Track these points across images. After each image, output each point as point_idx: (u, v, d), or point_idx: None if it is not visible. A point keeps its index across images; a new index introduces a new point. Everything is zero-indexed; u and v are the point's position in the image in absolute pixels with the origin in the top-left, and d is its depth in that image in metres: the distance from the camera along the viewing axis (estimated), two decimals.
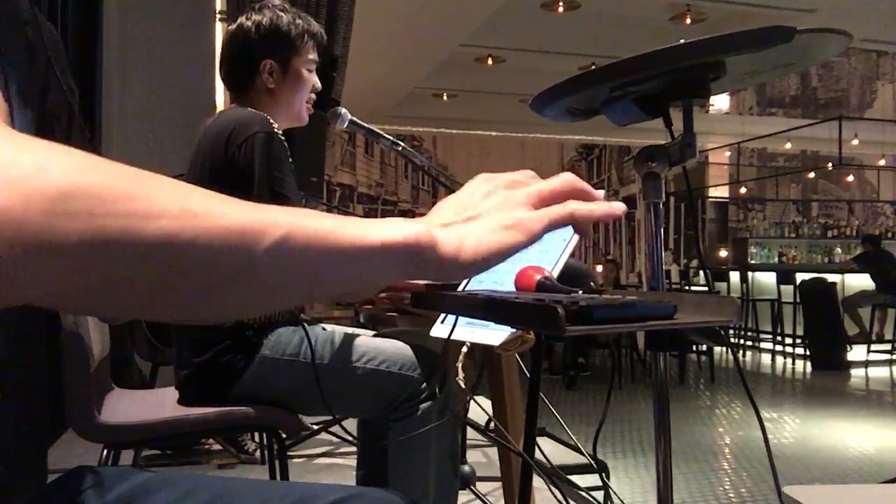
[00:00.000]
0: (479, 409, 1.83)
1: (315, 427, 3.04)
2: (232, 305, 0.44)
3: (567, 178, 0.56)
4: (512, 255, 0.52)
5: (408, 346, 1.61)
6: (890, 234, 12.60)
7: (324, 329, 1.65)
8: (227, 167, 1.54)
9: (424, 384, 1.56)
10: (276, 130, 1.61)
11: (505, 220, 0.52)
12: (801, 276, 8.25)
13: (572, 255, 0.99)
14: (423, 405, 1.55)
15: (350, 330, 1.71)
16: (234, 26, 1.73)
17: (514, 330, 1.22)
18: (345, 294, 0.81)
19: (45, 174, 0.36)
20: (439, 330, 1.23)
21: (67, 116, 0.68)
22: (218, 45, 3.73)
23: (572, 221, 0.54)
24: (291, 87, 1.74)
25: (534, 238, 0.52)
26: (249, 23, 1.70)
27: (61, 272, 0.37)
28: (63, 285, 0.38)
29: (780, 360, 8.36)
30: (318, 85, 1.80)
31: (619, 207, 0.56)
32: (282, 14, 1.72)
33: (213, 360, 1.57)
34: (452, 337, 1.06)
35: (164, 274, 0.40)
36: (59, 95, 0.67)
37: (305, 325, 1.58)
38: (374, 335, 1.72)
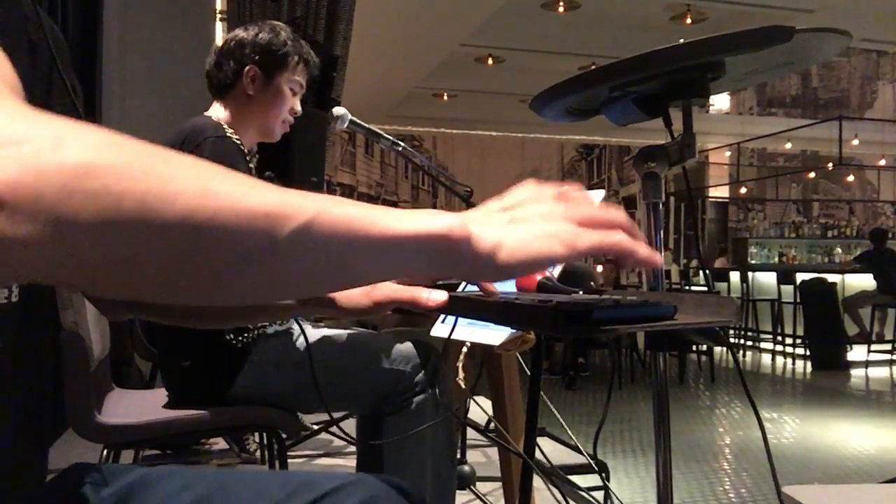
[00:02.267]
0: (479, 409, 1.83)
1: (315, 427, 3.04)
2: (252, 289, 0.43)
3: (618, 214, 0.53)
4: (550, 265, 0.49)
5: (399, 340, 1.63)
6: (891, 235, 12.61)
7: (312, 327, 1.67)
8: None
9: (418, 377, 1.57)
10: (229, 135, 1.63)
11: (550, 229, 0.49)
12: (801, 276, 8.25)
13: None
14: (417, 398, 1.56)
15: (344, 328, 1.72)
16: (231, 34, 1.78)
17: (514, 330, 1.22)
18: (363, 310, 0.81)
19: (62, 150, 0.35)
20: (440, 330, 1.23)
21: (71, 115, 0.68)
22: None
23: (617, 252, 0.51)
24: (269, 99, 1.75)
25: (575, 254, 0.49)
26: (247, 34, 1.75)
27: (76, 250, 0.36)
28: (78, 263, 0.37)
29: (780, 360, 8.36)
30: (298, 109, 1.81)
31: (659, 259, 0.54)
32: (281, 32, 1.76)
33: (200, 365, 1.58)
34: (453, 337, 1.06)
35: (181, 254, 0.38)
36: (63, 94, 0.67)
37: (299, 321, 1.59)
38: (374, 335, 1.73)
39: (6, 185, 0.34)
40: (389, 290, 0.79)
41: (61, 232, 0.35)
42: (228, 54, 1.74)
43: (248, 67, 1.72)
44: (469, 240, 0.46)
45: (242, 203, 0.39)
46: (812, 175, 12.74)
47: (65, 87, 0.67)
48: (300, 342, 1.60)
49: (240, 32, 1.76)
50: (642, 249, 0.52)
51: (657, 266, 0.56)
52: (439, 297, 0.74)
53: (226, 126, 1.66)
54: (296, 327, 1.63)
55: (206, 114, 1.75)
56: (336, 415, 2.11)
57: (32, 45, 0.61)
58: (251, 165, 2.41)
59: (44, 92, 0.64)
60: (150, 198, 0.37)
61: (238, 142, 1.65)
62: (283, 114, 1.78)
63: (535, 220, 0.50)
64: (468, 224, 0.47)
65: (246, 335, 1.60)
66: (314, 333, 1.63)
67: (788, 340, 8.45)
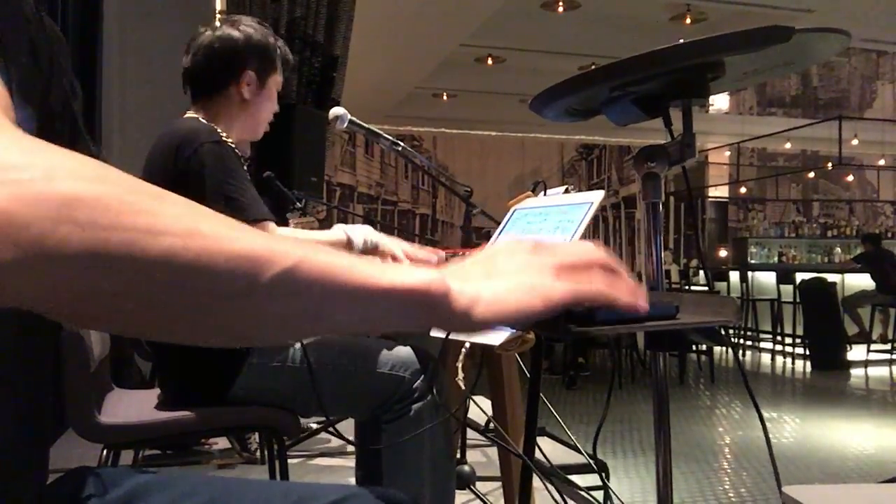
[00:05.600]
0: (479, 409, 1.83)
1: (315, 427, 3.04)
2: (230, 331, 0.44)
3: (595, 252, 0.54)
4: (527, 319, 0.50)
5: (398, 346, 1.62)
6: (890, 234, 12.60)
7: None
8: (178, 180, 1.53)
9: (416, 384, 1.56)
10: (224, 140, 1.62)
11: (526, 283, 0.50)
12: (801, 276, 8.25)
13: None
14: (416, 406, 1.55)
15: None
16: (218, 33, 1.71)
17: (514, 330, 1.22)
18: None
19: (53, 181, 0.36)
20: (439, 330, 1.23)
21: (70, 116, 0.68)
22: None
23: (594, 302, 0.52)
24: (263, 101, 1.75)
25: (552, 306, 0.50)
26: (238, 33, 1.71)
27: (59, 279, 0.37)
28: (59, 293, 0.38)
29: (779, 359, 8.36)
30: (277, 109, 1.82)
31: (644, 305, 0.54)
32: (267, 30, 1.75)
33: (198, 368, 1.58)
34: (452, 337, 1.06)
35: (163, 292, 0.39)
36: (62, 95, 0.67)
37: None
38: (373, 340, 1.72)
39: None
40: None
41: (46, 261, 0.36)
42: (220, 55, 1.70)
43: (244, 71, 1.70)
44: (448, 295, 0.47)
45: (227, 246, 0.40)
46: (812, 175, 12.73)
47: (64, 88, 0.66)
48: (298, 346, 1.60)
49: (228, 30, 1.71)
50: (623, 298, 0.52)
51: (641, 310, 0.54)
52: None
53: (219, 129, 1.64)
54: None
55: (190, 115, 1.72)
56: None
57: (33, 46, 0.61)
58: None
59: (43, 93, 0.64)
60: (136, 234, 0.38)
61: (233, 146, 1.64)
62: (270, 115, 1.79)
63: (514, 274, 0.50)
64: (447, 279, 0.47)
65: None
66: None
67: (788, 340, 8.45)
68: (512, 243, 0.54)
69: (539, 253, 0.53)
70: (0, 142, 0.38)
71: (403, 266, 0.47)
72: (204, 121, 1.68)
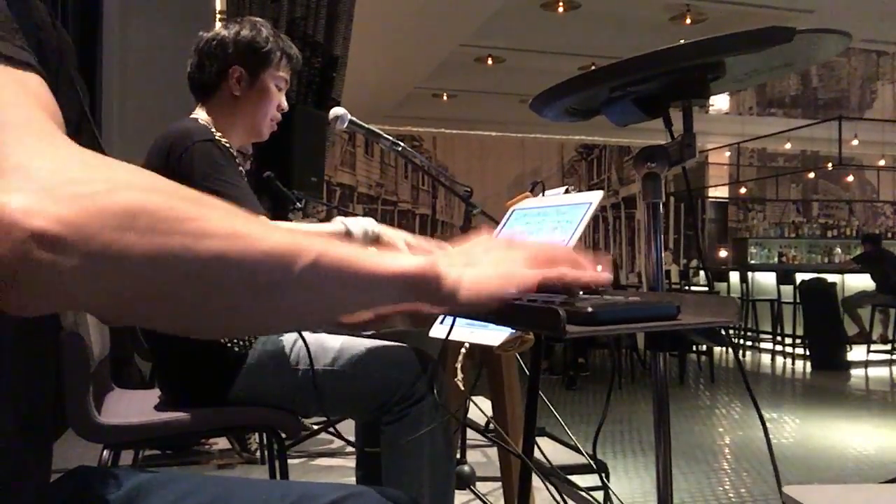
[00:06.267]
0: (479, 409, 1.83)
1: (315, 427, 3.04)
2: (261, 320, 0.51)
3: (562, 248, 0.64)
4: (502, 300, 0.57)
5: (398, 347, 1.61)
6: (890, 234, 12.60)
7: (311, 331, 1.66)
8: (171, 178, 1.53)
9: (415, 386, 1.56)
10: (217, 139, 1.61)
11: (501, 270, 0.58)
12: (801, 276, 8.25)
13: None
14: (415, 407, 1.55)
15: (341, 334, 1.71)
16: (211, 34, 1.73)
17: (513, 330, 1.22)
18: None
19: (114, 193, 0.41)
20: (438, 330, 1.23)
21: (78, 118, 0.68)
22: None
23: (561, 283, 0.59)
24: (256, 98, 1.74)
25: (524, 289, 0.57)
26: (228, 32, 1.72)
27: (123, 283, 0.41)
28: (122, 295, 0.42)
29: (779, 360, 8.36)
30: (285, 105, 1.80)
31: (606, 277, 0.62)
32: (262, 29, 1.74)
33: (197, 368, 1.58)
34: (452, 337, 1.06)
35: (210, 287, 0.45)
36: (71, 97, 0.67)
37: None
38: (372, 335, 1.72)
39: (66, 224, 0.38)
40: None
41: (112, 267, 0.40)
42: (210, 54, 1.71)
43: (232, 68, 1.70)
44: (439, 277, 0.54)
45: (264, 243, 0.46)
46: (812, 175, 12.73)
47: (74, 90, 0.67)
48: (298, 346, 1.60)
49: (220, 31, 1.73)
50: (585, 275, 0.61)
51: (603, 284, 0.62)
52: None
53: (213, 129, 1.64)
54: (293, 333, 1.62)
55: (191, 116, 1.73)
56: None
57: (43, 51, 0.61)
58: (245, 167, 2.41)
59: (52, 92, 0.64)
60: (189, 238, 0.42)
61: (227, 144, 1.64)
62: (270, 112, 1.77)
63: (490, 266, 0.58)
64: (437, 264, 0.55)
65: (243, 340, 1.59)
66: (312, 338, 1.62)
67: (788, 340, 8.45)
68: (488, 240, 0.63)
69: (511, 248, 0.61)
70: (61, 156, 0.41)
71: (398, 253, 0.55)
72: (203, 121, 1.68)
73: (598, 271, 0.61)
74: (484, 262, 0.59)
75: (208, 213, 0.44)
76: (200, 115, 1.73)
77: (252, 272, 0.45)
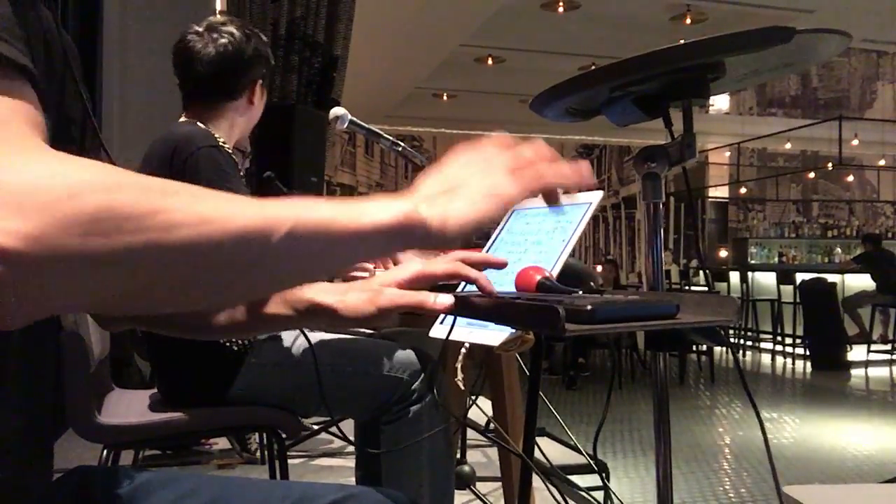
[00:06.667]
0: (479, 409, 1.83)
1: (315, 427, 3.04)
2: (249, 293, 0.53)
3: (538, 146, 0.60)
4: (491, 222, 0.56)
5: (397, 347, 1.61)
6: (890, 234, 12.60)
7: (310, 330, 1.66)
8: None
9: (414, 385, 1.56)
10: (221, 144, 1.61)
11: (483, 189, 0.56)
12: (801, 276, 8.25)
13: (572, 255, 0.99)
14: (414, 407, 1.55)
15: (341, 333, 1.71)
16: (223, 40, 1.69)
17: (513, 330, 1.22)
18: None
19: (78, 198, 0.40)
20: (438, 330, 1.22)
21: (81, 119, 0.69)
22: None
23: (545, 188, 0.58)
24: (260, 105, 1.80)
25: (511, 204, 0.56)
26: (245, 41, 1.70)
27: (98, 284, 0.41)
28: (101, 295, 0.43)
29: (780, 360, 8.36)
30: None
31: (584, 165, 0.60)
32: (261, 36, 1.77)
33: (196, 369, 1.58)
34: (451, 337, 1.06)
35: (188, 275, 0.45)
36: (75, 99, 0.68)
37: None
38: (371, 334, 1.72)
39: (26, 238, 0.38)
40: (395, 295, 0.77)
41: (84, 271, 0.40)
42: (231, 65, 1.68)
43: (256, 81, 1.74)
44: (423, 221, 0.53)
45: (234, 223, 0.45)
46: (812, 175, 12.73)
47: (78, 92, 0.67)
48: (297, 345, 1.60)
49: (232, 34, 1.69)
50: (567, 176, 0.59)
51: (585, 174, 0.60)
52: (445, 300, 0.73)
53: (216, 134, 1.64)
54: (294, 331, 1.62)
55: (185, 119, 1.71)
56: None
57: (48, 50, 0.62)
58: (245, 166, 2.41)
59: (59, 99, 0.65)
60: (157, 233, 0.42)
61: (230, 150, 1.64)
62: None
63: (471, 182, 0.56)
64: (418, 207, 0.54)
65: (242, 340, 1.59)
66: (312, 337, 1.62)
67: (788, 340, 8.45)
68: (464, 152, 0.60)
69: (489, 159, 0.59)
70: (27, 166, 0.41)
71: (375, 201, 0.53)
72: (200, 125, 1.67)
73: (578, 171, 0.59)
74: (464, 181, 0.57)
75: (175, 203, 0.43)
76: (201, 117, 1.71)
77: (229, 254, 0.45)
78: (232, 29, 1.72)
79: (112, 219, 0.40)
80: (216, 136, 1.63)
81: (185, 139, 1.58)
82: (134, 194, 0.42)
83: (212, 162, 1.55)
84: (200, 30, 1.72)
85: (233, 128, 1.74)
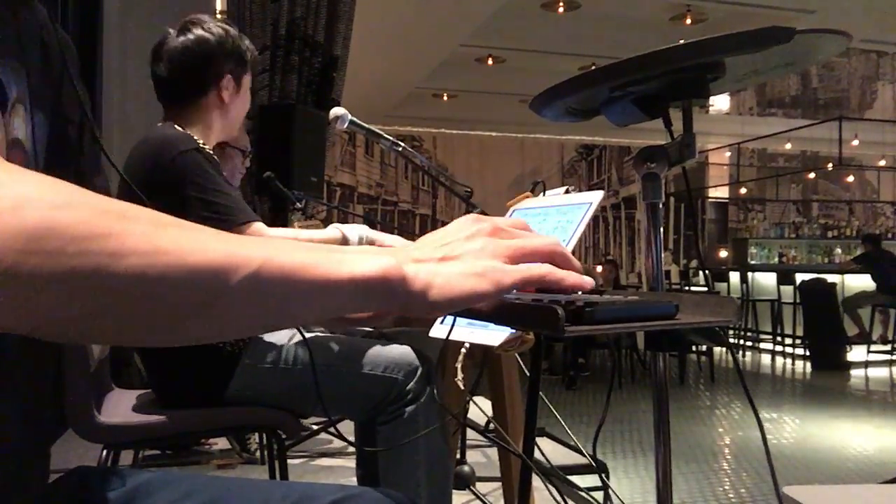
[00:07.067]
0: (479, 409, 1.83)
1: (315, 427, 3.04)
2: (205, 332, 0.46)
3: (551, 242, 0.57)
4: (478, 302, 0.52)
5: (393, 347, 1.61)
6: (890, 235, 12.60)
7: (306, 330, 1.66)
8: (156, 190, 1.48)
9: (410, 386, 1.56)
10: (202, 147, 1.60)
11: (478, 268, 0.52)
12: (801, 277, 8.25)
13: (572, 255, 0.99)
14: (409, 408, 1.54)
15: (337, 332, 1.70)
16: (190, 36, 1.67)
17: (513, 330, 1.22)
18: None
19: (21, 211, 0.37)
20: (438, 330, 1.23)
21: (79, 118, 0.68)
22: None
23: (542, 284, 0.54)
24: (240, 103, 1.75)
25: (501, 291, 0.52)
26: (211, 35, 1.68)
27: (34, 305, 0.38)
28: (37, 317, 0.39)
29: (780, 360, 8.36)
30: (249, 107, 1.81)
31: (589, 282, 0.56)
32: (235, 31, 1.72)
33: (191, 370, 1.57)
34: (452, 337, 1.06)
35: (133, 308, 0.41)
36: (72, 98, 0.67)
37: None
38: (368, 334, 1.72)
39: None
40: None
41: (19, 291, 0.37)
42: (196, 60, 1.66)
43: (224, 76, 1.69)
44: (404, 280, 0.49)
45: (190, 259, 0.42)
46: (812, 175, 12.73)
47: (75, 91, 0.67)
48: (293, 345, 1.60)
49: (199, 32, 1.67)
50: (569, 278, 0.55)
51: (585, 288, 0.56)
52: None
53: (196, 137, 1.62)
54: (290, 330, 1.62)
55: (162, 122, 1.70)
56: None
57: (46, 52, 0.62)
58: (245, 165, 2.39)
59: (55, 98, 0.64)
60: (103, 258, 0.39)
61: (210, 151, 1.63)
62: (244, 114, 1.78)
63: (468, 257, 0.53)
64: (402, 265, 0.50)
65: (234, 340, 1.58)
66: (308, 337, 1.62)
67: (788, 341, 8.46)
68: (471, 223, 0.56)
69: (496, 235, 0.55)
70: None
71: (362, 254, 0.49)
72: (179, 128, 1.65)
73: (581, 275, 0.56)
74: (463, 253, 0.53)
75: (131, 228, 0.41)
76: (178, 119, 1.69)
77: (181, 289, 0.42)
78: (206, 26, 1.69)
79: (55, 238, 0.38)
80: (196, 138, 1.61)
81: (166, 143, 1.56)
82: (85, 215, 0.39)
83: (195, 165, 1.54)
84: (173, 31, 1.70)
85: (209, 128, 1.71)
